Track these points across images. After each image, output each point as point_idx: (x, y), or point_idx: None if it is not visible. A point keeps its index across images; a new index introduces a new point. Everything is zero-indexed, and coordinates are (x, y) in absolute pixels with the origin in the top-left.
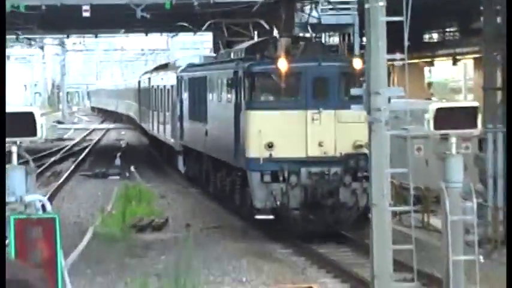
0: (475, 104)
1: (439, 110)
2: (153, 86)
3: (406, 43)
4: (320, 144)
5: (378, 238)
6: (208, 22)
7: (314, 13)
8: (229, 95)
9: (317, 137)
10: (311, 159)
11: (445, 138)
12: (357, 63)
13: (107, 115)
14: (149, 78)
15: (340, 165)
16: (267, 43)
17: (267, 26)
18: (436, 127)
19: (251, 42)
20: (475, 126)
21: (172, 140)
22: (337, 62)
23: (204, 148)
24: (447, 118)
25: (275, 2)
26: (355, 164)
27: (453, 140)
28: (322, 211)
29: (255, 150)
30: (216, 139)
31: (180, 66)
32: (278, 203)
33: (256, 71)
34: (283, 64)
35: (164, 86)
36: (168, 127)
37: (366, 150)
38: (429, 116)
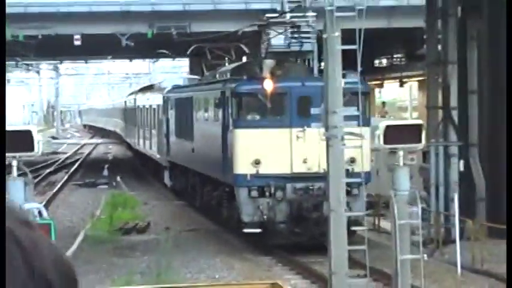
0: (419, 122)
1: (388, 127)
2: (138, 106)
3: (359, 68)
4: (304, 161)
5: (335, 239)
6: (193, 46)
7: (281, 42)
8: (216, 114)
9: (302, 153)
10: (296, 175)
11: (393, 151)
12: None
13: (95, 131)
14: (135, 99)
15: (324, 181)
16: (252, 64)
17: (246, 50)
18: (386, 142)
19: (236, 64)
20: (419, 141)
21: (158, 156)
22: (320, 82)
23: (190, 164)
24: (395, 134)
25: (242, 33)
26: None
27: (400, 153)
28: (307, 224)
29: (242, 166)
30: (203, 156)
31: (166, 88)
32: (265, 217)
33: (242, 91)
34: (268, 84)
35: (150, 106)
36: (154, 143)
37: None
38: (379, 132)
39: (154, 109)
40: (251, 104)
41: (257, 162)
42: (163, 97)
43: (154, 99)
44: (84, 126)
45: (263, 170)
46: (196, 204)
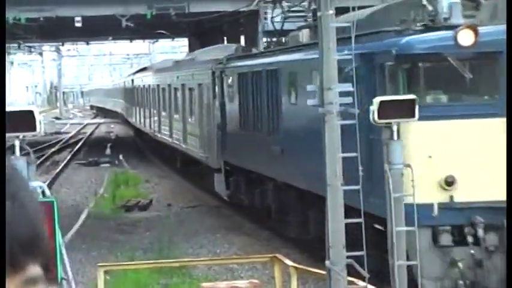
0: (413, 96)
1: (382, 103)
2: (159, 86)
3: (353, 45)
4: None
5: (332, 213)
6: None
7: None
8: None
9: None
10: None
11: (387, 126)
12: None
13: (98, 111)
14: (153, 77)
15: None
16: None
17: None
18: (380, 117)
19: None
20: (413, 115)
21: (202, 154)
22: None
23: (274, 172)
24: (389, 109)
25: (239, 12)
26: None
27: (394, 127)
28: None
29: (420, 190)
30: (306, 163)
31: (214, 59)
32: (466, 282)
33: (417, 51)
34: (467, 37)
35: (183, 85)
36: (194, 136)
37: None
38: (374, 107)
39: (192, 90)
40: (432, 75)
41: (449, 183)
42: (213, 72)
43: (190, 77)
44: (92, 107)
45: (461, 196)
46: (285, 232)
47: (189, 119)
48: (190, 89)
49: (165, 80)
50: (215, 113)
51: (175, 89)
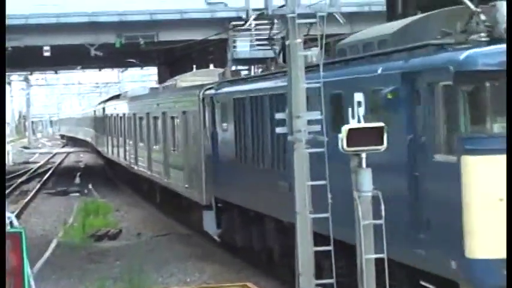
0: (381, 124)
1: (350, 131)
2: (136, 115)
3: (322, 72)
4: None
5: (301, 241)
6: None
7: (245, 48)
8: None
9: None
10: None
11: (356, 154)
12: None
13: (67, 140)
14: (127, 104)
15: None
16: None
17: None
18: (349, 145)
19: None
20: (381, 143)
21: (186, 188)
22: None
23: (281, 212)
24: (358, 137)
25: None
26: None
27: (363, 155)
28: None
29: (488, 243)
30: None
31: (205, 86)
32: None
33: (485, 67)
34: None
35: (164, 113)
36: (178, 170)
37: None
38: (342, 135)
39: (174, 118)
40: (501, 98)
41: None
42: (201, 98)
43: (172, 105)
44: (62, 136)
45: None
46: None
47: (172, 150)
48: (173, 118)
49: (143, 108)
50: (204, 143)
51: (155, 118)
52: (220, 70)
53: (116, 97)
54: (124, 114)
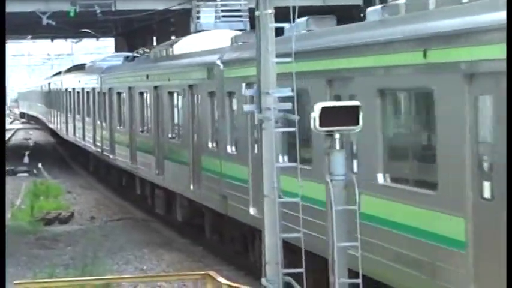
0: (357, 103)
1: (324, 109)
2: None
3: (294, 47)
4: None
5: (268, 227)
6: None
7: (210, 20)
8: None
9: None
10: None
11: (329, 134)
12: None
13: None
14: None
15: None
16: None
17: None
18: (322, 124)
19: None
20: (357, 123)
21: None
22: None
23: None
24: (331, 116)
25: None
26: None
27: (337, 136)
28: None
29: None
30: None
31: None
32: None
33: None
34: None
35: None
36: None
37: None
38: (315, 114)
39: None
40: None
41: None
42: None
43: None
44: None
45: None
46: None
47: (169, 138)
48: (171, 93)
49: (123, 82)
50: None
51: (141, 94)
52: (233, 33)
53: (79, 68)
54: (93, 89)
